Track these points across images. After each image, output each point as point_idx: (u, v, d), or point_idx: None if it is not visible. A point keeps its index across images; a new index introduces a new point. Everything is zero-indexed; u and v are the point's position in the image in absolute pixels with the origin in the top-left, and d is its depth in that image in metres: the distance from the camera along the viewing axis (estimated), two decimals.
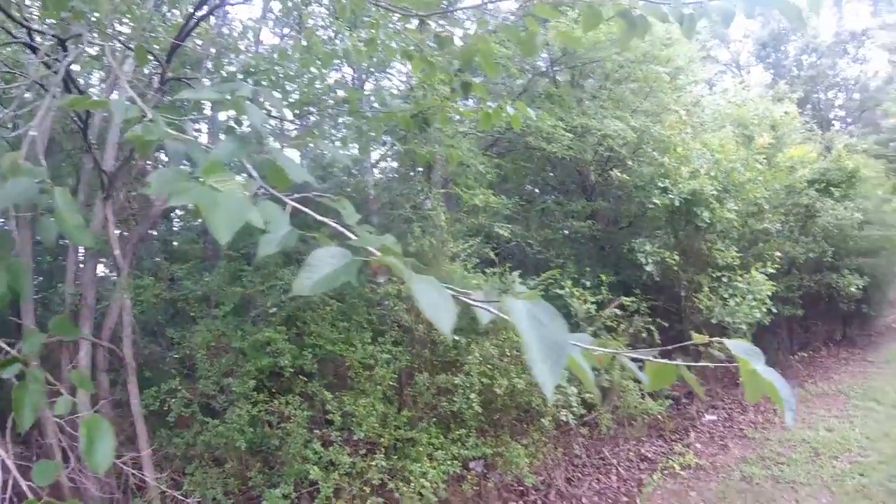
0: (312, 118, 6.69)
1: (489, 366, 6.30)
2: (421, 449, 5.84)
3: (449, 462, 5.74)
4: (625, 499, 6.34)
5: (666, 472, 6.84)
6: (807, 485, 6.23)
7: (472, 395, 5.98)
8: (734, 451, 7.36)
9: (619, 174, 8.21)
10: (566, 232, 8.93)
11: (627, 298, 7.35)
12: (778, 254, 8.25)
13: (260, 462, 5.72)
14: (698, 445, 7.57)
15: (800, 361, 10.53)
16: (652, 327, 7.51)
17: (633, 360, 1.07)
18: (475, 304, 1.02)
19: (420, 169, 8.11)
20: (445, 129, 6.45)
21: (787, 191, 9.39)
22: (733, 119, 10.82)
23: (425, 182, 7.59)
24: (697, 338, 1.16)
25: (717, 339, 1.09)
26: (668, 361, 1.02)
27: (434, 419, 6.31)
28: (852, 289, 9.78)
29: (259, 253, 1.07)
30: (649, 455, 7.31)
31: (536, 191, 10.51)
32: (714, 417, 8.48)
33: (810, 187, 9.57)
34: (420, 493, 5.37)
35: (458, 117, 6.43)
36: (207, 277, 6.90)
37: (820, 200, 9.60)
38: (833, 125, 24.38)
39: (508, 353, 6.47)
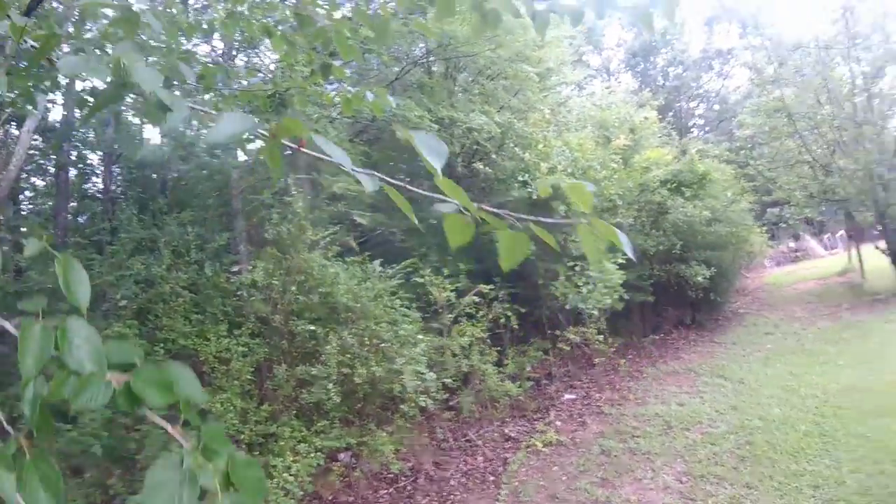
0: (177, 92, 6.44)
1: (348, 355, 6.38)
2: (283, 443, 5.82)
3: (313, 455, 5.76)
4: (491, 478, 6.61)
5: (529, 449, 7.19)
6: (662, 455, 6.72)
7: (331, 386, 6.02)
8: (592, 426, 7.84)
9: (483, 167, 8.60)
10: (433, 222, 9.16)
11: (486, 286, 7.71)
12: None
13: (121, 469, 5.42)
14: (559, 423, 8.02)
15: (652, 343, 11.42)
16: (510, 313, 7.94)
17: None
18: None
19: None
20: (308, 111, 6.46)
21: (641, 189, 10.23)
22: (596, 121, 11.64)
23: (288, 167, 7.57)
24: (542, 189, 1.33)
25: None
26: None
27: (295, 412, 6.32)
28: (699, 278, 10.80)
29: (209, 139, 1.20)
30: (513, 434, 7.67)
31: (407, 179, 10.69)
32: (573, 396, 8.99)
33: (663, 186, 10.49)
34: (285, 489, 5.35)
35: (325, 103, 6.45)
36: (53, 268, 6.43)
37: (671, 199, 10.54)
38: (692, 132, 26.81)
39: (368, 342, 6.59)
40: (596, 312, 8.02)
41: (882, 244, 13.59)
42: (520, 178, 7.76)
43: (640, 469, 6.44)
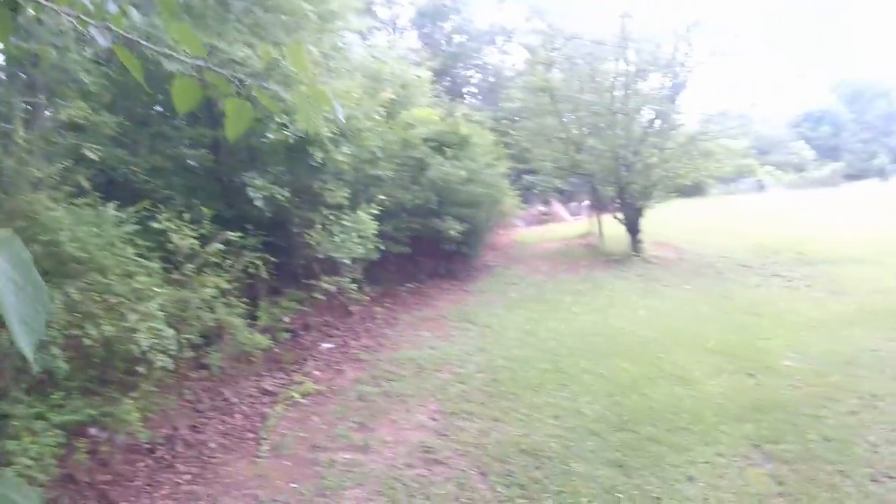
0: None
1: (76, 314, 5.59)
2: (17, 423, 4.92)
3: (50, 433, 4.97)
4: (250, 435, 6.44)
5: (288, 402, 7.13)
6: (415, 396, 7.06)
7: (57, 351, 5.22)
8: (349, 373, 7.99)
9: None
10: (191, 162, 8.51)
11: (234, 233, 7.33)
12: (382, 196, 9.15)
13: None
14: (316, 373, 8.05)
15: (408, 292, 11.99)
16: (259, 262, 7.67)
17: None
18: None
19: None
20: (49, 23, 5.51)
21: (404, 144, 10.48)
22: (370, 72, 11.62)
23: (25, 89, 6.45)
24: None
25: None
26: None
27: (26, 385, 5.48)
28: (452, 232, 11.51)
29: None
30: (270, 388, 7.54)
31: (160, 110, 9.65)
32: (330, 345, 9.09)
33: (425, 144, 10.85)
34: (27, 476, 4.54)
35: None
36: None
37: (432, 156, 10.95)
38: (464, 98, 28.11)
39: (98, 298, 5.83)
40: (349, 262, 8.07)
41: (620, 215, 15.80)
42: (278, 119, 7.39)
43: (396, 411, 6.74)
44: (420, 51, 24.26)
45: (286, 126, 7.41)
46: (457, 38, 29.08)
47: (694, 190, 31.64)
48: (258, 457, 5.97)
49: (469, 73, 30.81)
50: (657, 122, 15.11)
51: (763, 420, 6.14)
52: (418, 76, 13.18)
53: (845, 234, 17.86)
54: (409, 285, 12.33)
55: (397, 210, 11.14)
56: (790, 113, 53.44)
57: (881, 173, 48.83)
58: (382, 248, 9.16)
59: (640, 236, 15.47)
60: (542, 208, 26.34)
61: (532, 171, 18.11)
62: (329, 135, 7.57)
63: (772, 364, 7.64)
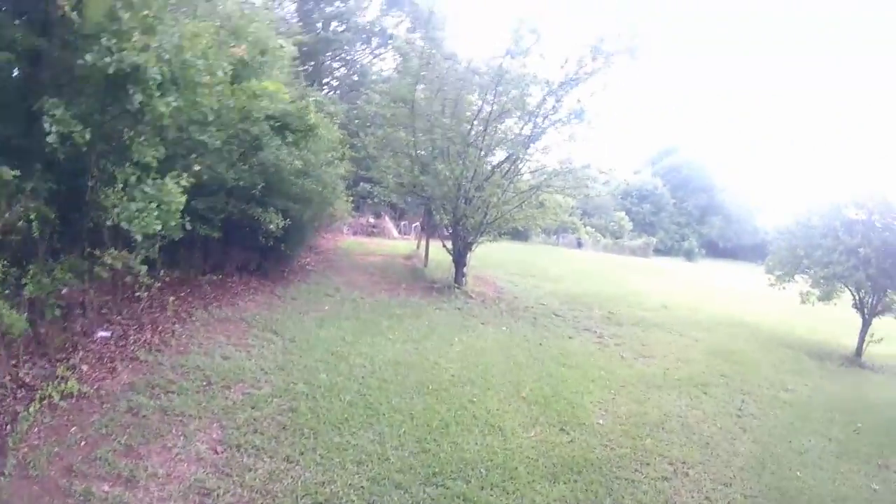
0: None
1: None
2: None
3: None
4: None
5: (45, 402, 5.97)
6: (197, 417, 6.24)
7: None
8: (123, 375, 6.97)
9: (69, 12, 6.55)
10: None
11: (11, 171, 6.00)
12: (197, 167, 8.11)
13: None
14: (84, 368, 6.92)
15: (210, 284, 11.00)
16: (35, 215, 6.38)
17: None
18: None
19: None
20: None
21: (243, 115, 9.52)
22: (230, 24, 10.54)
23: None
24: None
25: None
26: None
27: None
28: (272, 226, 10.70)
29: None
30: (28, 380, 6.32)
31: None
32: (108, 334, 7.95)
33: (267, 121, 9.97)
34: None
35: None
36: None
37: (270, 137, 10.11)
38: (324, 88, 27.13)
39: None
40: (139, 238, 6.93)
41: (449, 244, 15.86)
42: (104, 42, 6.18)
43: (172, 434, 5.89)
44: (293, 24, 23.01)
45: (111, 51, 6.25)
46: (334, 25, 27.95)
47: (519, 234, 33.21)
48: (2, 475, 4.92)
49: (336, 64, 29.84)
50: (505, 165, 15.41)
51: (578, 480, 6.24)
52: (281, 45, 12.24)
53: (650, 298, 19.60)
54: (214, 276, 11.31)
55: (216, 188, 10.12)
56: (617, 184, 58.61)
57: (688, 255, 56.47)
58: (188, 227, 8.04)
59: (465, 269, 15.67)
60: (372, 220, 26.06)
61: (371, 181, 17.65)
62: (157, 77, 6.48)
63: (585, 420, 7.89)
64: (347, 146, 15.62)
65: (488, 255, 19.54)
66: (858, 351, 14.97)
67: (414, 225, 26.61)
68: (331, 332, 9.89)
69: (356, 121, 18.88)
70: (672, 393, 9.73)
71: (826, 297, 15.22)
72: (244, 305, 10.50)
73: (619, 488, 6.24)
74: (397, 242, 23.70)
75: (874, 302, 15.01)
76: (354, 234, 24.28)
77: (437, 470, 5.96)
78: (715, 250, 66.84)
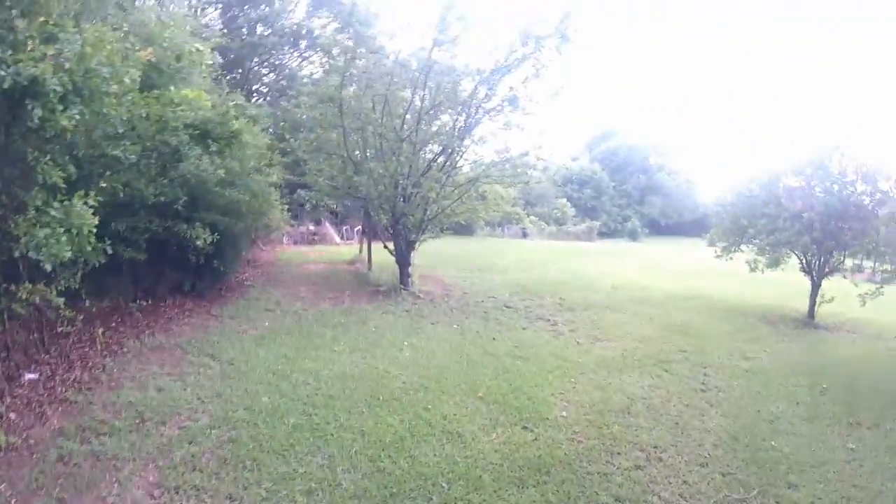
0: None
1: None
2: None
3: None
4: None
5: None
6: (132, 459, 5.75)
7: None
8: (53, 420, 6.41)
9: None
10: None
11: None
12: (104, 185, 7.45)
13: None
14: (12, 416, 6.34)
15: (141, 310, 10.35)
16: None
17: None
18: None
19: None
20: None
21: (159, 126, 8.99)
22: (142, 30, 9.99)
23: None
24: None
25: None
26: None
27: None
28: (200, 242, 10.08)
29: None
30: None
31: None
32: (35, 376, 7.37)
33: (186, 130, 9.43)
34: None
35: None
36: None
37: (190, 147, 9.55)
38: (254, 95, 26.47)
39: None
40: (51, 267, 6.34)
41: (391, 245, 15.42)
42: None
43: (106, 481, 5.39)
44: (213, 28, 22.20)
45: (6, 63, 5.71)
46: (260, 29, 27.10)
47: (463, 228, 33.21)
48: None
49: (264, 70, 29.08)
50: (441, 159, 15.14)
51: (548, 482, 6.01)
52: (198, 49, 11.64)
53: (600, 281, 19.81)
54: (145, 302, 10.66)
55: (136, 205, 9.53)
56: (556, 170, 59.70)
57: (632, 235, 57.95)
58: (109, 251, 7.46)
59: (411, 269, 15.38)
60: (312, 227, 25.53)
61: (306, 186, 17.18)
62: (58, 88, 5.95)
63: (547, 414, 7.70)
64: (277, 152, 15.10)
65: (434, 253, 19.33)
66: (811, 313, 15.48)
67: (357, 229, 26.17)
68: (272, 349, 9.44)
69: (283, 123, 18.42)
70: (633, 374, 9.68)
71: (774, 263, 15.68)
72: (178, 330, 9.97)
73: (592, 484, 6.06)
74: (340, 248, 23.26)
75: (821, 264, 15.50)
76: (295, 243, 23.70)
77: (394, 490, 5.62)
78: (658, 229, 68.67)
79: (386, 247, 15.59)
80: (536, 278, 19.31)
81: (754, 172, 16.99)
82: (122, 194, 8.28)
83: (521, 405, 7.93)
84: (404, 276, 15.14)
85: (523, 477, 6.07)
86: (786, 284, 19.52)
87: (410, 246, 15.20)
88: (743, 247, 16.76)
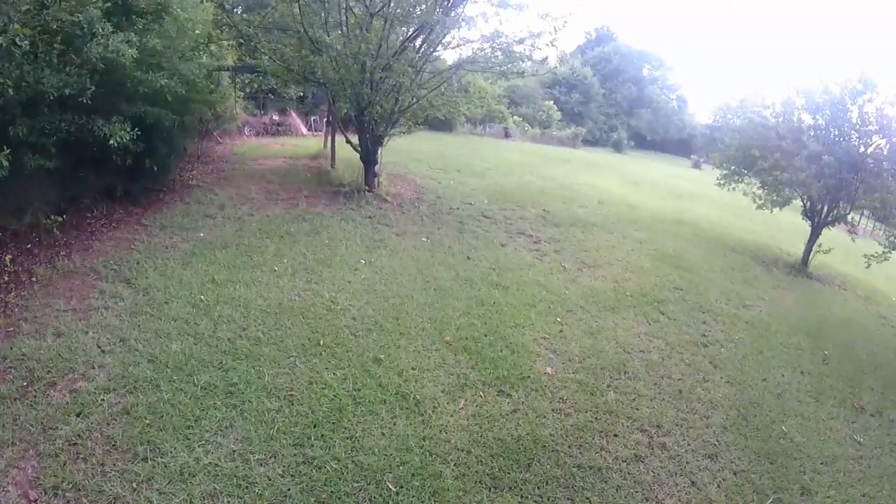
0: None
1: None
2: None
3: None
4: None
5: None
6: (11, 443, 4.30)
7: None
8: None
9: None
10: None
11: None
12: None
13: None
14: None
15: (62, 227, 8.43)
16: None
17: None
18: None
19: None
20: None
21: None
22: None
23: None
24: None
25: None
26: None
27: None
28: (114, 141, 7.99)
29: None
30: None
31: None
32: None
33: (96, 5, 7.20)
34: None
35: None
36: None
37: (100, 24, 7.32)
38: None
39: None
40: None
41: (356, 139, 13.27)
42: None
43: None
44: None
45: None
46: None
47: (442, 124, 31.10)
48: None
49: None
50: (419, 40, 12.78)
51: (528, 481, 4.71)
52: None
53: (585, 193, 18.22)
54: (64, 217, 8.62)
55: (37, 102, 7.40)
56: (547, 68, 56.81)
57: (617, 146, 55.72)
58: (6, 162, 5.63)
59: (377, 168, 13.45)
60: (276, 118, 23.14)
61: (258, 71, 14.61)
62: None
63: (529, 371, 6.39)
64: (229, 29, 12.66)
65: (406, 150, 17.50)
66: (805, 260, 14.49)
67: (325, 119, 23.84)
68: (199, 271, 7.80)
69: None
70: (628, 316, 8.40)
71: (784, 203, 14.46)
72: (99, 248, 8.21)
73: (583, 484, 4.80)
74: (305, 140, 20.98)
75: (826, 212, 14.31)
76: (257, 135, 21.37)
77: (322, 496, 4.21)
78: (642, 143, 66.26)
79: (349, 142, 13.46)
80: (518, 184, 17.61)
81: (767, 100, 15.47)
82: (10, 91, 6.29)
83: (498, 356, 6.56)
84: (370, 175, 13.25)
85: (496, 473, 4.75)
86: (773, 222, 18.30)
87: (378, 141, 13.11)
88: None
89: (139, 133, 8.33)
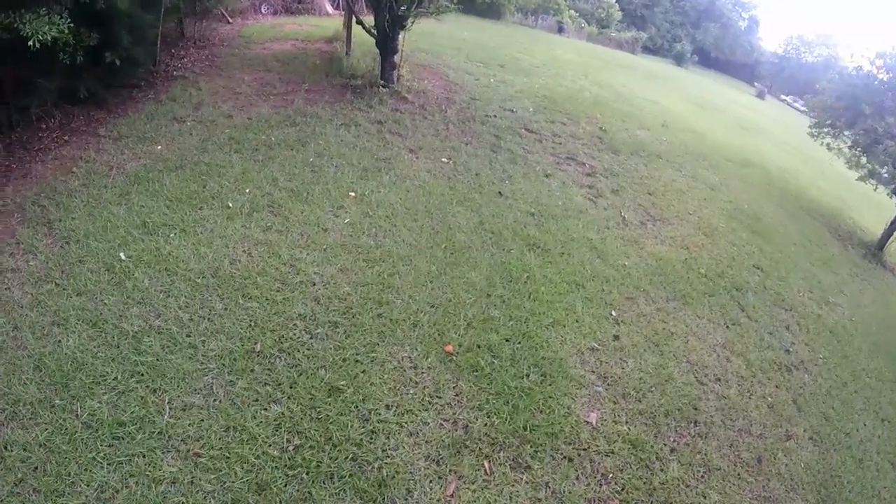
0: None
1: None
2: None
3: None
4: None
5: None
6: None
7: None
8: None
9: None
10: None
11: None
12: None
13: None
14: None
15: (6, 143, 6.45)
16: None
17: None
18: None
19: None
20: None
21: None
22: None
23: None
24: None
25: None
26: None
27: None
28: (42, 36, 5.59)
29: None
30: None
31: None
32: None
33: None
34: None
35: None
36: None
37: None
38: None
39: None
40: None
41: (370, 20, 10.36)
42: None
43: None
44: None
45: None
46: None
47: (489, 10, 27.65)
48: None
49: None
50: None
51: None
52: None
53: (647, 109, 15.27)
54: (13, 131, 6.71)
55: None
56: None
57: (679, 59, 50.41)
58: None
59: (397, 58, 10.55)
60: None
61: None
62: None
63: (563, 420, 4.24)
64: None
65: (446, 36, 14.56)
66: (881, 244, 11.74)
67: None
68: (133, 207, 5.61)
69: None
70: (702, 311, 6.19)
71: (892, 180, 11.97)
72: (40, 172, 6.08)
73: None
74: (327, 21, 17.76)
75: None
76: (275, 14, 18.28)
77: None
78: (705, 60, 60.32)
79: (360, 23, 10.35)
80: (570, 91, 14.46)
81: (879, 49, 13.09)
82: None
83: (521, 387, 4.36)
84: (386, 67, 10.42)
85: None
86: (843, 180, 15.39)
87: (398, 24, 10.00)
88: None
89: (79, 24, 6.00)
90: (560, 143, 9.92)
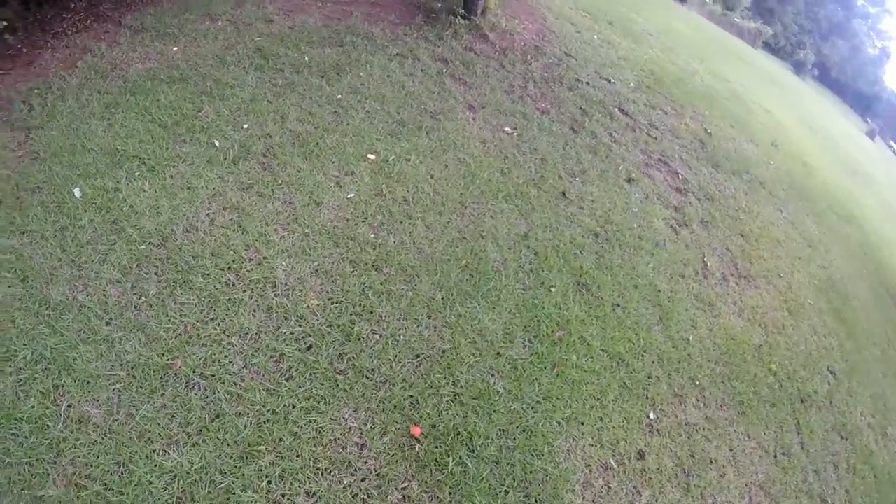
0: None
1: None
2: None
3: None
4: None
5: None
6: None
7: None
8: None
9: None
10: None
11: None
12: None
13: None
14: None
15: (25, 27, 5.35)
16: None
17: None
18: None
19: None
20: None
21: None
22: None
23: None
24: None
25: None
26: None
27: None
28: None
29: None
30: None
31: None
32: None
33: None
34: None
35: None
36: None
37: None
38: None
39: None
40: None
41: None
42: None
43: None
44: None
45: None
46: None
47: None
48: None
49: None
50: None
51: None
52: None
53: (760, 120, 12.98)
54: (35, 14, 5.61)
55: None
56: None
57: (798, 67, 46.39)
58: None
59: None
60: None
61: None
62: None
63: None
64: None
65: None
66: None
67: None
68: (114, 124, 4.36)
69: None
70: (755, 430, 4.74)
71: None
72: (44, 64, 4.95)
73: None
74: None
75: None
76: None
77: None
78: (825, 77, 55.94)
79: None
80: (681, 72, 12.23)
81: None
82: None
83: None
84: None
85: None
86: None
87: None
88: None
89: None
90: (655, 139, 8.08)
